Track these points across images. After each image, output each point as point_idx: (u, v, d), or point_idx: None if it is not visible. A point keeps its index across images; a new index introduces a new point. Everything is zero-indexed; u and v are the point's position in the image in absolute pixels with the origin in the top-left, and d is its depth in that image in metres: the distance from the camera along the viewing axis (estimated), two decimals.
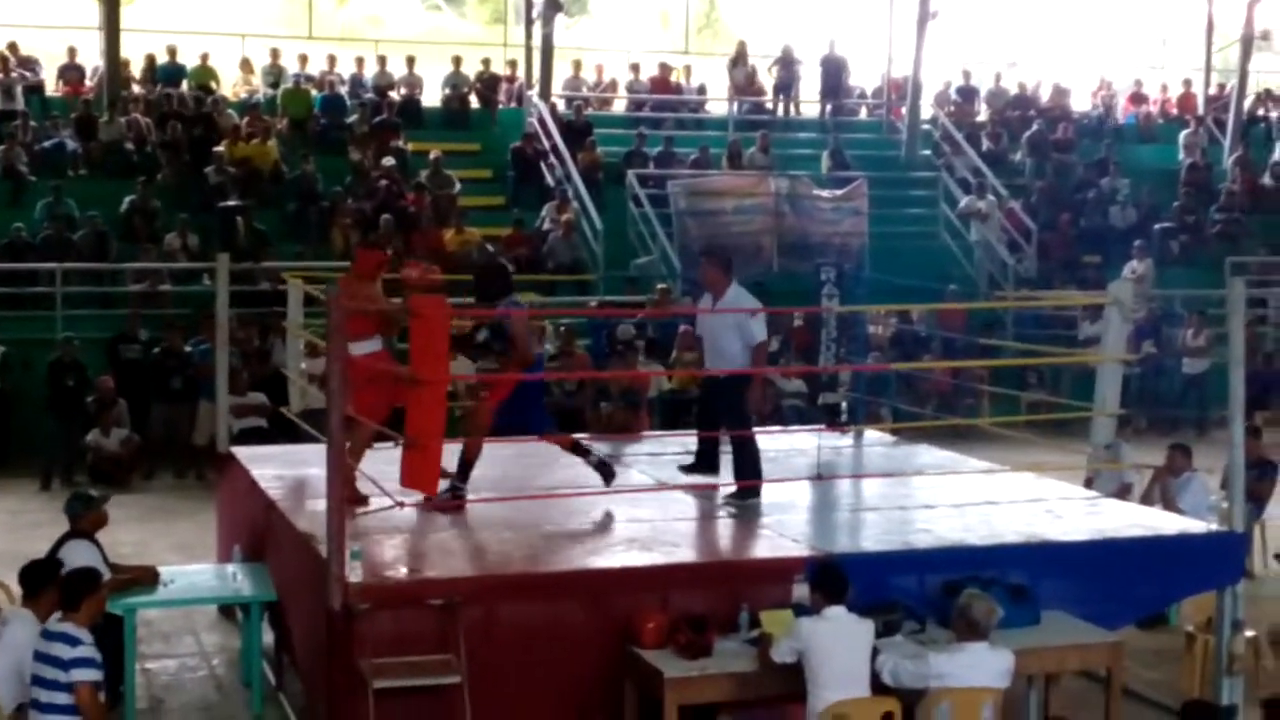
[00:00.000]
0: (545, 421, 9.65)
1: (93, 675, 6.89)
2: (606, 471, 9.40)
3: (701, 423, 10.18)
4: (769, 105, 25.70)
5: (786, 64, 25.30)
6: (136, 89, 22.64)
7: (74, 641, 6.89)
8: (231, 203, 19.32)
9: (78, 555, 8.26)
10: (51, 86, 23.21)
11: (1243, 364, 8.86)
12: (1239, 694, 8.54)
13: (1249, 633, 8.82)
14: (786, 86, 25.41)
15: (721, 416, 9.73)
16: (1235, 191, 24.35)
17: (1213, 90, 28.09)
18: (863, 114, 26.42)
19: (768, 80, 25.70)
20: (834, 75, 25.43)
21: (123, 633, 8.41)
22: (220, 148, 20.48)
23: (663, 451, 11.05)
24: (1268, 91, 28.88)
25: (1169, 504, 10.28)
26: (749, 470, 9.51)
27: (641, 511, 9.08)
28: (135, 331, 16.72)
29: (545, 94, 23.46)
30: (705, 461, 9.93)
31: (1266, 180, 25.26)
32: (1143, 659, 9.30)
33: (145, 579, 8.95)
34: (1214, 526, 9.33)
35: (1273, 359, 19.26)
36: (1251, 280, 11.40)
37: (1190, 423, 17.98)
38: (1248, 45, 26.29)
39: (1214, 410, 16.71)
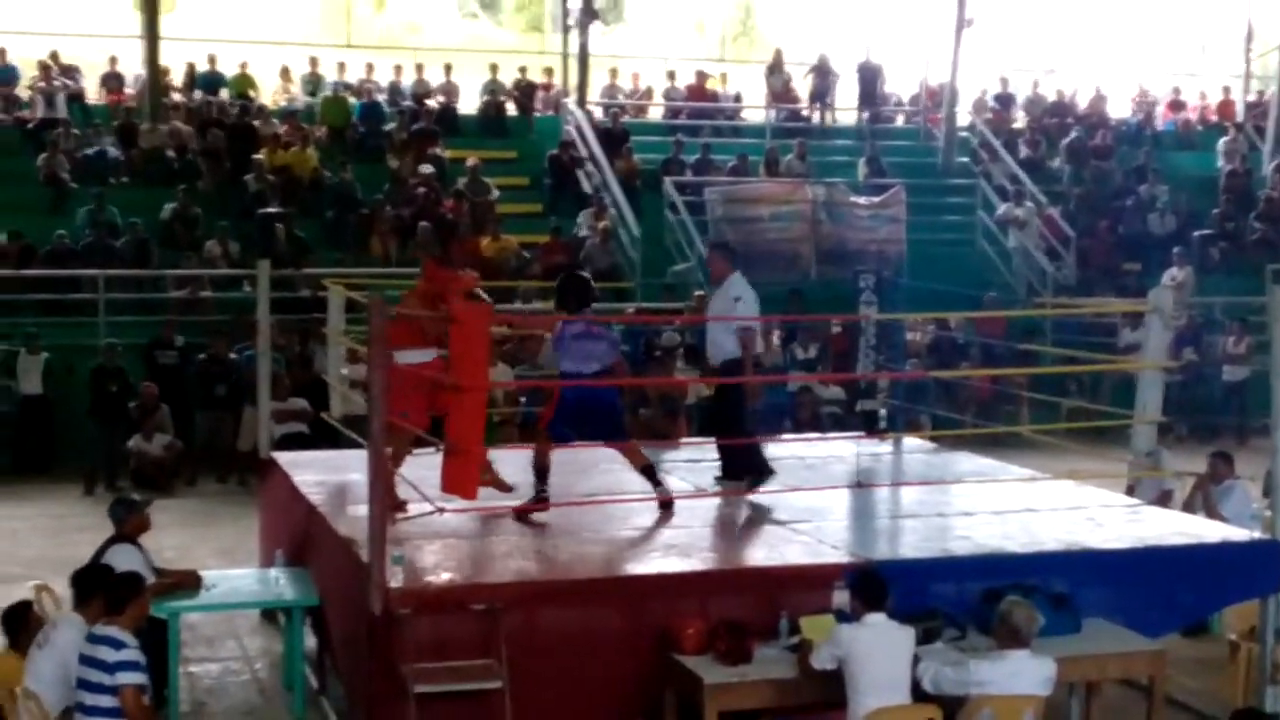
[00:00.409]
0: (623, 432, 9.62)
1: (137, 678, 6.95)
2: (666, 507, 9.29)
3: (712, 423, 10.17)
4: (805, 113, 25.71)
5: (821, 72, 25.32)
6: (177, 97, 22.81)
7: (118, 645, 6.95)
8: (271, 210, 19.45)
9: (121, 560, 8.33)
10: (93, 94, 23.44)
11: None
12: None
13: None
14: (822, 94, 25.44)
15: (721, 409, 9.74)
16: (1275, 198, 24.18)
17: (1252, 97, 27.96)
18: (900, 121, 26.39)
19: (803, 88, 25.72)
20: (870, 82, 25.42)
21: (166, 636, 8.48)
22: (260, 155, 20.63)
23: (701, 458, 11.05)
24: None
25: (1211, 512, 10.22)
26: (741, 463, 9.48)
27: (680, 518, 9.10)
28: (171, 338, 16.84)
29: (582, 101, 23.54)
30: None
31: None
32: (1185, 667, 9.25)
33: (188, 583, 9.02)
34: (1257, 534, 9.28)
35: None
36: None
37: (1231, 430, 17.89)
38: None
39: (1255, 418, 16.61)
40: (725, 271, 9.98)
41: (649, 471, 9.41)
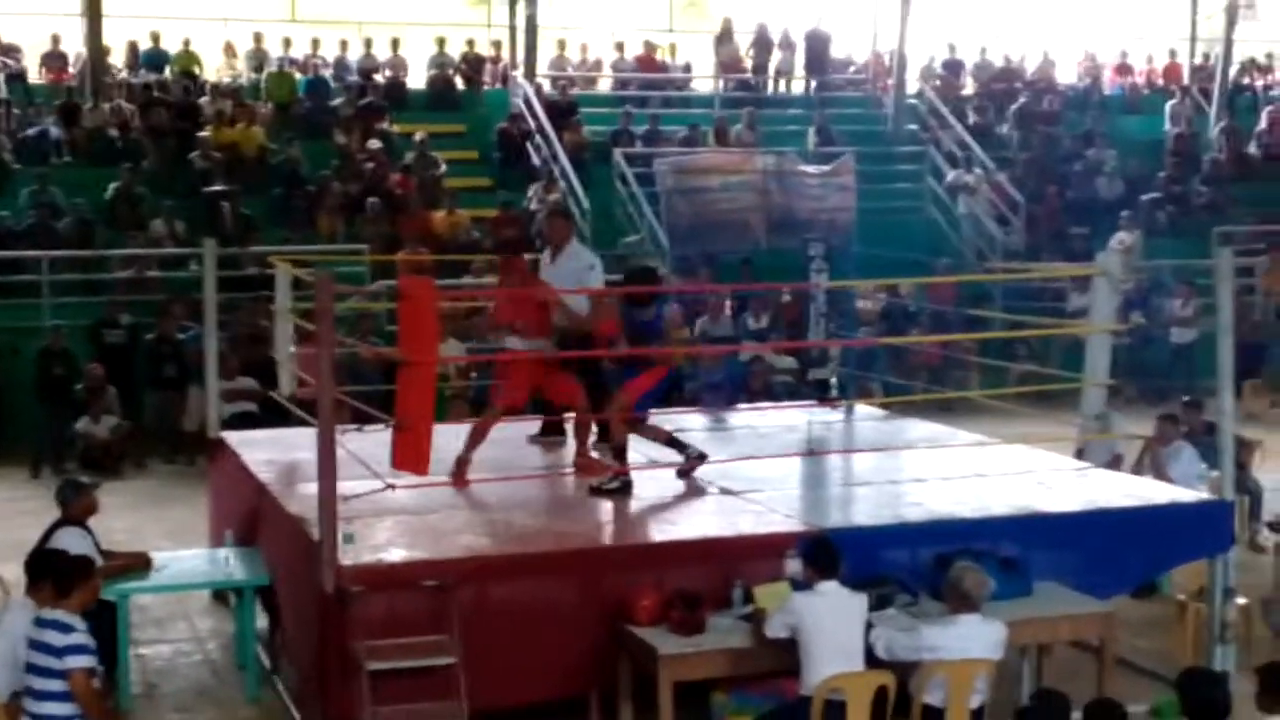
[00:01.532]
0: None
1: (86, 662, 6.89)
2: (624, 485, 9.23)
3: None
4: (754, 82, 25.68)
5: (762, 44, 25.27)
6: (120, 75, 22.56)
7: (66, 629, 6.88)
8: (217, 188, 19.27)
9: (69, 542, 8.27)
10: (34, 74, 23.15)
11: (1231, 333, 8.87)
12: (1231, 662, 8.58)
13: (1241, 600, 8.85)
14: (762, 66, 25.39)
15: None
16: (1221, 161, 24.36)
17: (1198, 60, 28.08)
18: (849, 90, 26.38)
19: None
20: (819, 51, 25.40)
21: (116, 619, 8.42)
22: (205, 133, 20.43)
23: None
24: (1253, 61, 28.87)
25: (1159, 474, 10.30)
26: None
27: (633, 489, 9.08)
28: (117, 317, 16.69)
29: (530, 74, 23.41)
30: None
31: (1252, 149, 25.28)
32: (1135, 628, 9.33)
33: (137, 565, 8.98)
34: (1204, 495, 9.36)
35: (1259, 328, 19.28)
36: (1239, 250, 11.41)
37: (1179, 392, 17.97)
38: (1232, 14, 26.24)
39: (1202, 379, 16.74)
40: (566, 238, 10.33)
41: (673, 441, 9.49)
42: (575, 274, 10.05)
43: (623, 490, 8.99)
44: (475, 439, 9.35)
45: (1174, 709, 6.60)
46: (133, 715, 8.11)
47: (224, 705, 8.65)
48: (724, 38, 25.66)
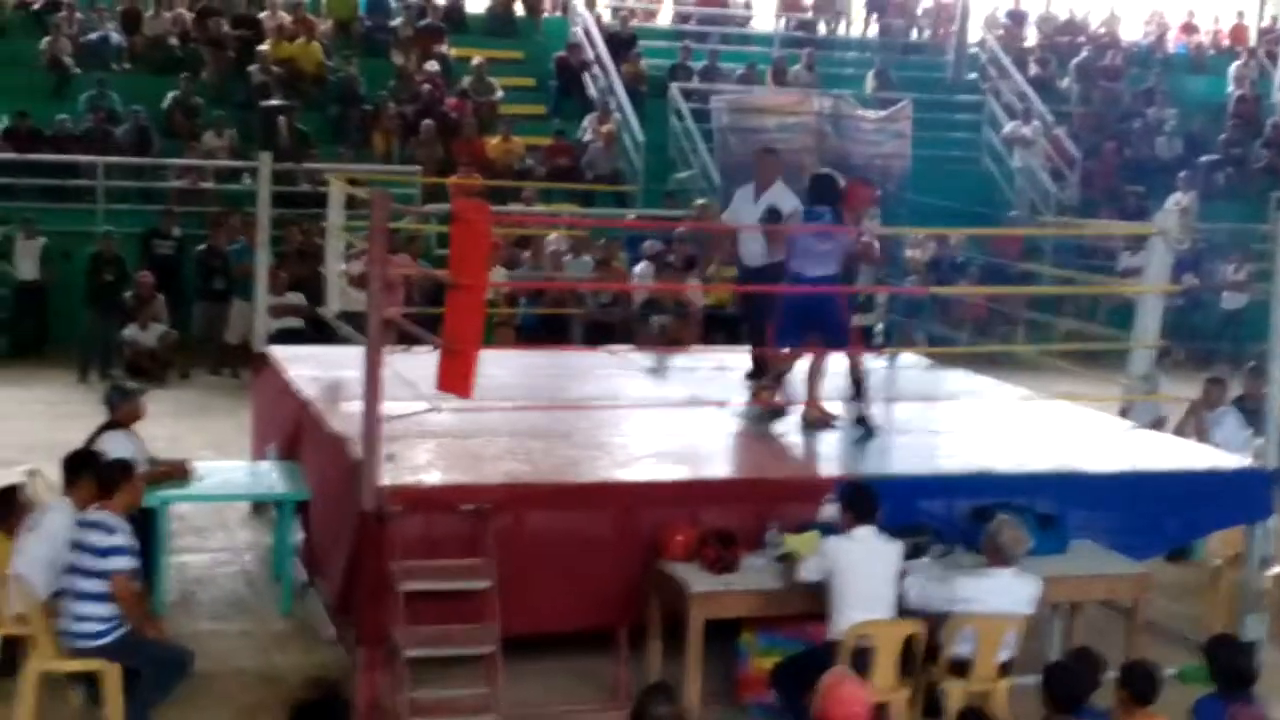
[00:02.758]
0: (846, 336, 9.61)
1: (128, 564, 6.98)
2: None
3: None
4: (820, 22, 25.46)
5: None
6: None
7: (110, 530, 6.97)
8: (274, 102, 19.29)
9: (115, 446, 8.35)
10: None
11: None
12: (1262, 630, 8.56)
13: (1276, 569, 8.82)
14: (826, 5, 25.17)
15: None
16: None
17: (1265, 22, 27.66)
18: (913, 35, 26.13)
19: None
20: None
21: (155, 525, 8.52)
22: (264, 47, 20.43)
23: (698, 366, 11.06)
24: None
25: (1202, 437, 10.24)
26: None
27: (675, 426, 9.11)
28: (170, 229, 16.78)
29: (590, 3, 23.27)
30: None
31: None
32: (1167, 592, 9.29)
33: (179, 473, 9.05)
34: (1247, 462, 9.31)
35: None
36: None
37: (1226, 357, 17.86)
38: None
39: (1251, 345, 16.60)
40: (775, 177, 10.09)
41: (859, 385, 9.40)
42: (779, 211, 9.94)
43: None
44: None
45: (1201, 674, 6.61)
46: (168, 621, 8.20)
47: (258, 617, 8.76)
48: None
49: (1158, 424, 10.67)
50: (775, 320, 9.39)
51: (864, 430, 9.17)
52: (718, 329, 15.52)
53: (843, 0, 25.48)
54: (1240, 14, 27.98)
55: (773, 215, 9.67)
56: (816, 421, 9.31)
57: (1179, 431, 10.56)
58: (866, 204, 9.97)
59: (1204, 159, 22.65)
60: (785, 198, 10.04)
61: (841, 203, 9.37)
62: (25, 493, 8.06)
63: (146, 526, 8.31)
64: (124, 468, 7.37)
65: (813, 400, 9.38)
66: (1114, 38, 26.65)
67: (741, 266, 10.29)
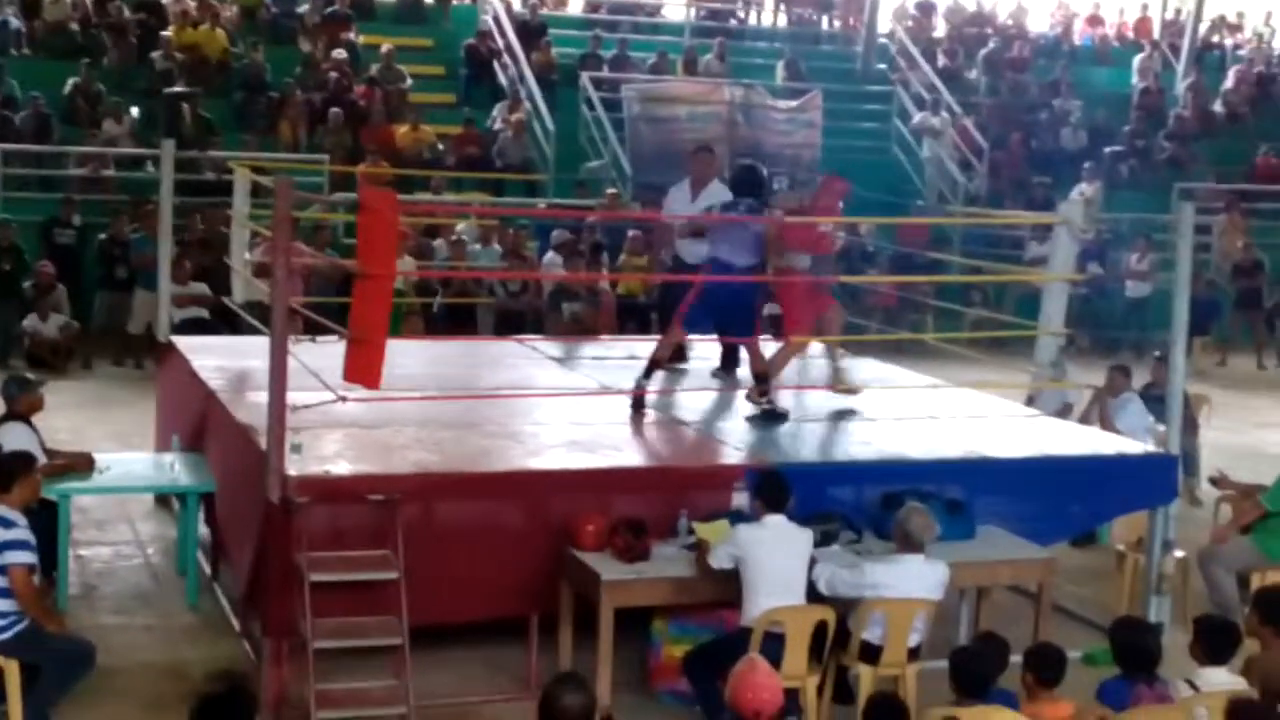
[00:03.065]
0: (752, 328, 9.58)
1: (27, 558, 6.85)
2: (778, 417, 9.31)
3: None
4: (732, 12, 25.52)
5: None
6: None
7: (7, 524, 6.84)
8: (178, 89, 19.00)
9: (13, 438, 8.21)
10: None
11: (1188, 289, 8.91)
12: (1166, 612, 8.68)
13: (1179, 553, 8.95)
14: None
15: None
16: (1186, 118, 24.41)
17: (1169, 15, 28.08)
18: (823, 25, 26.25)
19: None
20: None
21: (57, 518, 8.36)
22: (168, 32, 20.12)
23: (609, 355, 11.03)
24: (1223, 19, 28.88)
25: (1106, 424, 10.37)
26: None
27: (585, 414, 9.07)
28: (69, 217, 16.49)
29: None
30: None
31: (1217, 108, 25.33)
32: (1073, 576, 9.42)
33: (80, 465, 8.90)
34: (1150, 448, 9.43)
35: (1213, 286, 19.40)
36: (1198, 207, 11.45)
37: (1130, 345, 18.13)
38: None
39: (1155, 334, 16.86)
40: (711, 175, 10.30)
41: (762, 377, 9.33)
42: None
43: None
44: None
45: (1107, 657, 6.68)
46: (70, 615, 8.06)
47: (163, 610, 8.62)
48: None
49: (1064, 411, 10.79)
50: (686, 305, 9.39)
51: (770, 416, 9.16)
52: (629, 318, 15.54)
53: None
54: (1144, 7, 28.39)
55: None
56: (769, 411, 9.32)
57: (1084, 418, 10.69)
58: (841, 196, 10.08)
59: (1109, 150, 22.96)
60: (722, 195, 10.11)
61: (765, 192, 9.48)
62: None
63: (48, 520, 8.16)
64: (22, 461, 7.23)
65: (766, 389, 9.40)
66: (1021, 29, 26.95)
67: (679, 264, 10.31)
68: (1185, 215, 9.16)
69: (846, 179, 10.26)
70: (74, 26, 20.22)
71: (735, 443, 8.67)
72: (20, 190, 17.33)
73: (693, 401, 9.61)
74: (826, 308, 9.88)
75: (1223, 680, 6.24)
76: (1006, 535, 8.19)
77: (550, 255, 16.36)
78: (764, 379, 9.29)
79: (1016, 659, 6.37)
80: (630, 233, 16.65)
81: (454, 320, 15.46)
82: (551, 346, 11.81)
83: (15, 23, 20.10)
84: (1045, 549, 8.21)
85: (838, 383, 9.95)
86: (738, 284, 9.20)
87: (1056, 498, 8.66)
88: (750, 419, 9.17)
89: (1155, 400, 10.46)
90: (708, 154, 10.84)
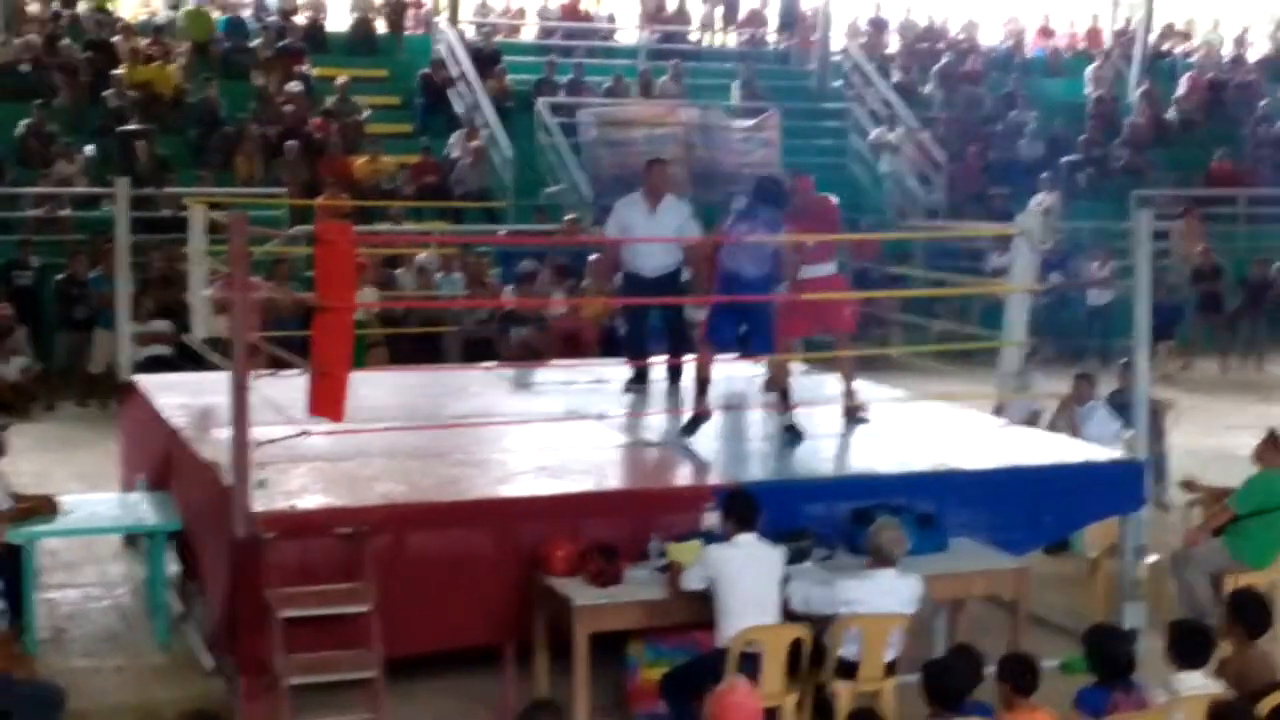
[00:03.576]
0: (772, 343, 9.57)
1: None
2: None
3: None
4: (686, 34, 25.63)
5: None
6: (33, 9, 22.05)
7: None
8: (132, 127, 18.91)
9: None
10: None
11: (1149, 295, 8.94)
12: (1141, 618, 8.70)
13: (1151, 558, 8.96)
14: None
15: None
16: (1140, 125, 24.57)
17: (1119, 25, 28.29)
18: (778, 44, 26.35)
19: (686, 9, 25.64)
20: (734, 5, 25.50)
21: (23, 562, 8.27)
22: (120, 70, 20.03)
23: (573, 380, 10.99)
24: (1172, 27, 29.11)
25: (1074, 432, 10.39)
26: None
27: (550, 440, 9.04)
28: (27, 258, 16.38)
29: (454, 20, 23.16)
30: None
31: (1171, 115, 25.51)
32: (1048, 584, 9.39)
33: (45, 508, 8.80)
34: (1118, 455, 9.45)
35: (1174, 290, 19.50)
36: (1156, 213, 11.53)
37: (1095, 352, 18.19)
38: None
39: (1118, 340, 16.91)
40: (668, 189, 10.39)
41: (784, 393, 9.35)
42: (681, 227, 10.22)
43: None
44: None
45: (1084, 665, 6.67)
46: (40, 659, 7.96)
47: (134, 651, 8.53)
48: None
49: (1031, 420, 10.81)
50: (708, 320, 9.42)
51: (792, 435, 9.16)
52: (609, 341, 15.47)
53: (707, 13, 25.63)
54: (1095, 17, 28.62)
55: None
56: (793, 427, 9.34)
57: (1052, 427, 10.70)
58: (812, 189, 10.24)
59: (1065, 160, 23.08)
60: (679, 209, 10.25)
61: (785, 206, 9.47)
62: None
63: (13, 565, 8.07)
64: None
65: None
66: (973, 43, 27.10)
67: (636, 279, 10.27)
68: (1142, 222, 9.20)
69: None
70: (24, 68, 20.10)
71: (704, 463, 8.64)
72: None
73: (658, 422, 9.57)
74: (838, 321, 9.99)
75: (1198, 684, 6.25)
76: (979, 547, 8.19)
77: (510, 289, 16.39)
78: (786, 394, 9.30)
79: (992, 669, 6.35)
80: (591, 257, 16.62)
81: (420, 349, 15.38)
82: (517, 373, 11.77)
83: None
84: (1018, 559, 8.21)
85: (850, 404, 9.95)
86: (755, 296, 9.15)
87: (1027, 507, 8.66)
88: (786, 433, 9.19)
89: (1122, 407, 10.49)
90: (661, 165, 10.84)
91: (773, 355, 9.42)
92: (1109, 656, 6.39)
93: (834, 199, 10.33)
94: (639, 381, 10.57)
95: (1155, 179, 23.17)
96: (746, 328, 9.25)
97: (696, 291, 10.33)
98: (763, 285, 9.15)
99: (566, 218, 17.87)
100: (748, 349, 9.55)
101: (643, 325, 10.97)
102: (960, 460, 8.89)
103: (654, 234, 10.15)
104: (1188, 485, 9.87)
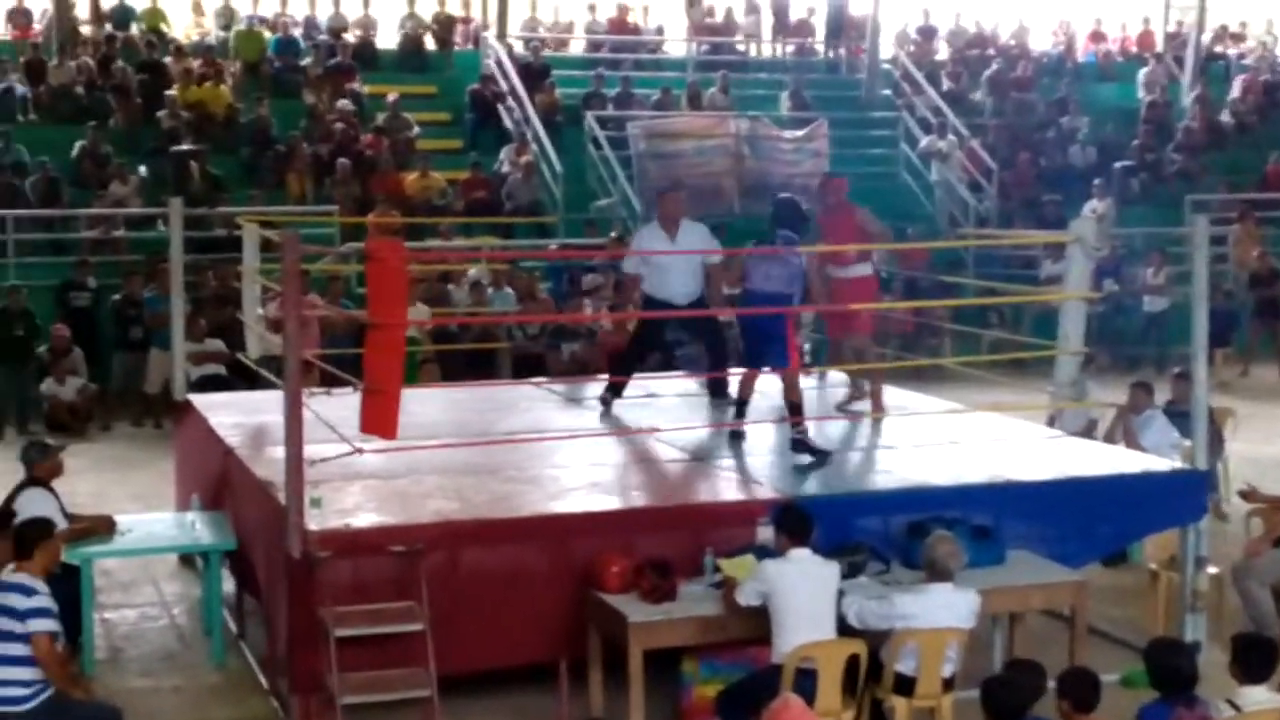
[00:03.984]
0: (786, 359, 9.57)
1: (49, 625, 6.81)
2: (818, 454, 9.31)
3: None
4: (733, 44, 25.63)
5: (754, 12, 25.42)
6: (86, 31, 22.29)
7: (29, 591, 6.79)
8: (184, 147, 19.07)
9: (34, 504, 8.18)
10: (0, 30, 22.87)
11: (1206, 301, 8.83)
12: (1202, 630, 8.58)
13: (1212, 569, 8.85)
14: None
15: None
16: (1194, 129, 24.34)
17: (1171, 28, 28.06)
18: (826, 54, 26.30)
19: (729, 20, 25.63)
20: (783, 14, 25.45)
21: (80, 582, 8.32)
22: (172, 91, 20.21)
23: (627, 395, 10.96)
24: (1225, 28, 28.86)
25: (1131, 442, 10.27)
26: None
27: (603, 455, 9.02)
28: (84, 279, 16.52)
29: (502, 35, 23.26)
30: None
31: (1225, 118, 25.27)
32: (1106, 597, 9.31)
33: (102, 528, 8.86)
34: (1177, 464, 9.34)
35: (1231, 296, 19.31)
36: (1211, 218, 11.40)
37: (1151, 360, 18.03)
38: None
39: (1174, 348, 16.75)
40: (682, 213, 10.34)
41: (796, 408, 9.32)
42: (704, 245, 10.31)
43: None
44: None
45: (1144, 679, 6.58)
46: (97, 680, 8.02)
47: (189, 670, 8.56)
48: (693, 0, 25.55)
49: (1086, 430, 10.71)
50: (743, 343, 9.66)
51: (812, 456, 9.09)
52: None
53: (751, 23, 25.61)
54: (1146, 20, 28.38)
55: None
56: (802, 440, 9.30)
57: (1108, 437, 10.58)
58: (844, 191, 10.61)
59: (1118, 165, 22.90)
60: (695, 230, 10.26)
61: (804, 225, 9.62)
62: None
63: (70, 585, 8.12)
64: (41, 527, 7.19)
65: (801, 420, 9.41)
66: (1024, 49, 26.96)
67: (658, 302, 10.27)
68: (1200, 227, 9.07)
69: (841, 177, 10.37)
70: (79, 90, 20.32)
71: (757, 477, 8.60)
72: (31, 255, 17.36)
73: (708, 436, 9.53)
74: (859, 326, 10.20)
75: (1263, 698, 6.15)
76: (1036, 559, 8.11)
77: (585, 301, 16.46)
78: (798, 410, 9.26)
79: (1053, 684, 6.28)
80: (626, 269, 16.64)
81: (473, 365, 15.41)
82: (569, 388, 11.77)
83: (21, 89, 20.21)
84: (1076, 571, 8.12)
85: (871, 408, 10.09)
86: (770, 313, 9.21)
87: (1085, 519, 8.56)
88: (794, 449, 9.11)
89: (1179, 416, 10.37)
90: (674, 193, 10.91)
91: (786, 370, 9.37)
92: (1170, 670, 6.29)
93: (865, 211, 10.46)
94: (615, 394, 10.56)
95: (1210, 183, 22.93)
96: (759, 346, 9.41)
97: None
98: (784, 304, 9.28)
99: (612, 235, 17.90)
100: (760, 364, 9.58)
101: (652, 350, 11.15)
102: (1016, 472, 8.81)
103: (676, 261, 10.10)
104: (1247, 494, 9.72)
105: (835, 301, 10.20)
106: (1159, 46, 27.52)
